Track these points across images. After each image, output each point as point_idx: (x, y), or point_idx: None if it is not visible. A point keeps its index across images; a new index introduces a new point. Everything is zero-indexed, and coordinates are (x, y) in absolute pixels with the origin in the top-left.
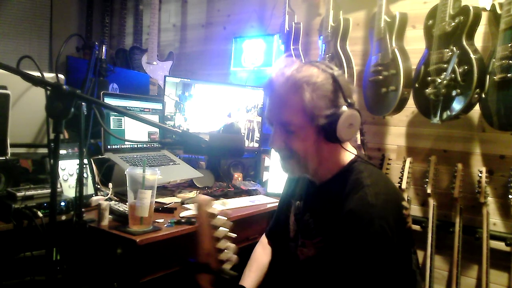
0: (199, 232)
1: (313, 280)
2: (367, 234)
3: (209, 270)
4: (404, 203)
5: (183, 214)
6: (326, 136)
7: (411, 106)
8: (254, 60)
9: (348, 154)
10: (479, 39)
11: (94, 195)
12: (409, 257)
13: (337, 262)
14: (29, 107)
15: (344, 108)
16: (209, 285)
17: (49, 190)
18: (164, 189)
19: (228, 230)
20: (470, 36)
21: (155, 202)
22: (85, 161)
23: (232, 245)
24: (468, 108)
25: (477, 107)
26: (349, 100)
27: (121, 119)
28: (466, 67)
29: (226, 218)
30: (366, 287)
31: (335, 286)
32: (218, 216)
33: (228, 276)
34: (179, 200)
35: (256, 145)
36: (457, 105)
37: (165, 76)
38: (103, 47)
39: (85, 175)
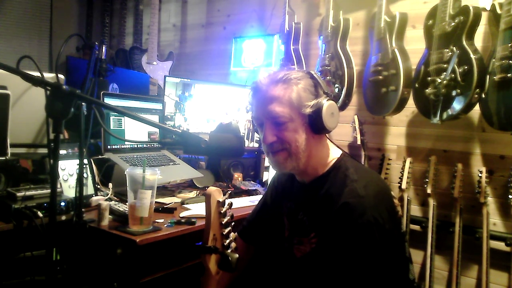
0: (209, 219)
1: (312, 276)
2: (360, 225)
3: (217, 251)
4: (392, 193)
5: (183, 214)
6: (313, 127)
7: (411, 106)
8: (254, 60)
9: (334, 151)
10: (479, 39)
11: (94, 195)
12: (403, 245)
13: (333, 255)
14: (29, 107)
15: (324, 98)
16: (215, 265)
17: (49, 190)
18: (164, 189)
19: (230, 218)
20: (470, 36)
21: (155, 202)
22: (85, 161)
23: (233, 233)
24: (468, 108)
25: (477, 107)
26: (326, 92)
27: (121, 119)
28: (466, 67)
29: (230, 207)
30: (362, 277)
31: (333, 279)
32: (226, 205)
33: (232, 258)
34: (179, 200)
35: (256, 145)
36: (457, 105)
37: (165, 76)
38: (103, 47)
39: (85, 175)
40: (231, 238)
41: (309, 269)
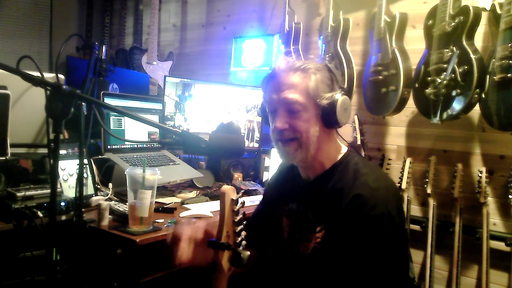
0: (223, 216)
1: (320, 270)
2: (373, 217)
3: (230, 248)
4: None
5: (183, 214)
6: (326, 120)
7: (411, 106)
8: (254, 60)
9: (341, 148)
10: (479, 39)
11: (94, 195)
12: (407, 242)
13: (344, 247)
14: (29, 107)
15: (339, 93)
16: (227, 261)
17: (49, 190)
18: (164, 189)
19: (242, 216)
20: (470, 36)
21: (155, 202)
22: (85, 161)
23: (244, 232)
24: (468, 108)
25: (477, 107)
26: (341, 86)
27: (121, 119)
28: (466, 67)
29: (242, 206)
30: (374, 268)
31: (343, 271)
32: (239, 204)
33: (244, 255)
34: (179, 200)
35: (256, 145)
36: (457, 105)
37: (165, 76)
38: (103, 47)
39: (85, 175)
40: (242, 236)
41: (317, 264)
